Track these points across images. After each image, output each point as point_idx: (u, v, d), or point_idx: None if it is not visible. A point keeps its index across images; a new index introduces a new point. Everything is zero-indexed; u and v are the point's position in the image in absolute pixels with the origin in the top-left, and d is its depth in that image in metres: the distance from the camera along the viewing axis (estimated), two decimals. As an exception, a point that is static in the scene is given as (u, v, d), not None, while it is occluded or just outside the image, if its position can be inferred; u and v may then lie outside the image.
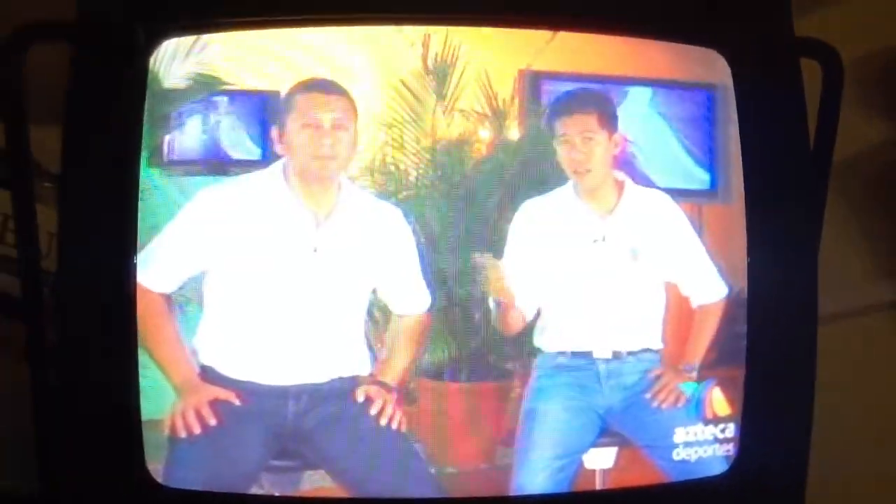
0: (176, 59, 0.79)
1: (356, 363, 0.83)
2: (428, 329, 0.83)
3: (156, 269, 0.80)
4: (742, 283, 0.83)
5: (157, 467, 0.79)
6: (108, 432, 0.76)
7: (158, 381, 0.80)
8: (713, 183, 0.86)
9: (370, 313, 0.84)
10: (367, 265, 0.84)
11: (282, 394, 0.82)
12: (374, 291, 0.84)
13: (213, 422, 0.80)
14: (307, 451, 0.83)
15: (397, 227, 0.82)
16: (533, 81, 0.83)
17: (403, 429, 0.82)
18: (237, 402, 0.81)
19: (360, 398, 0.82)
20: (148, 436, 0.77)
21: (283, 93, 0.81)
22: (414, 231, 0.82)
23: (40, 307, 0.80)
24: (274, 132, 0.81)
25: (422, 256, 0.82)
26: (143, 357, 0.78)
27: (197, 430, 0.80)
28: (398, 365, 0.83)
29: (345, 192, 0.83)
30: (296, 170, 0.82)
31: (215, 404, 0.81)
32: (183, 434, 0.80)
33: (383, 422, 0.82)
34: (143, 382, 0.77)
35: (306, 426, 0.82)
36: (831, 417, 0.86)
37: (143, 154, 0.77)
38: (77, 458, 0.77)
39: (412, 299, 0.83)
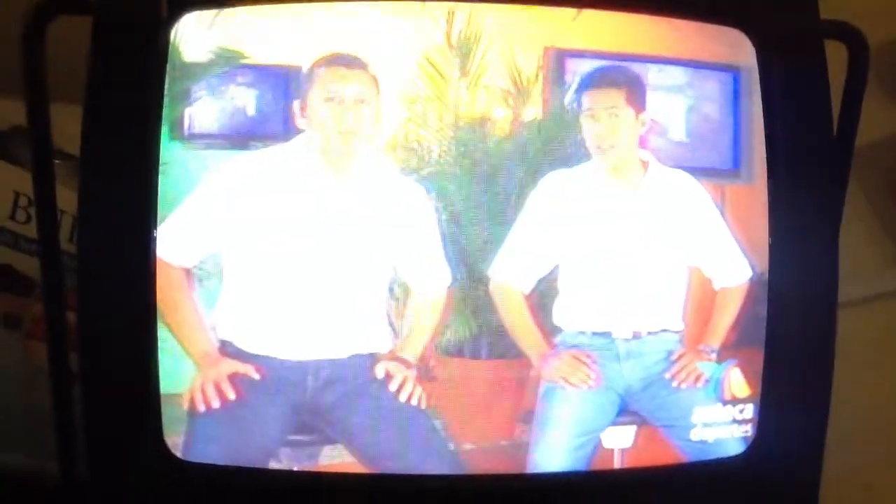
0: (197, 33, 0.78)
1: (376, 339, 0.83)
2: (448, 305, 0.83)
3: (176, 242, 0.79)
4: (763, 266, 0.83)
5: (175, 441, 0.79)
6: (126, 406, 0.76)
7: (177, 356, 0.80)
8: (736, 163, 0.86)
9: (390, 289, 0.84)
10: (388, 241, 0.83)
11: (301, 369, 0.82)
12: (394, 268, 0.84)
13: (232, 396, 0.80)
14: (326, 426, 0.83)
15: (419, 204, 0.82)
16: (557, 59, 0.82)
17: (423, 405, 0.82)
18: (256, 377, 0.81)
19: (380, 374, 0.82)
20: (167, 410, 0.77)
21: (306, 67, 0.80)
22: (436, 208, 0.82)
23: (60, 284, 0.80)
24: (296, 106, 0.81)
25: (443, 233, 0.82)
26: (162, 331, 0.78)
27: (216, 403, 0.80)
28: (418, 341, 0.83)
29: (366, 168, 0.83)
30: (318, 144, 0.82)
31: (234, 378, 0.80)
32: (202, 408, 0.80)
33: (403, 398, 0.82)
34: (162, 356, 0.77)
35: (325, 401, 0.82)
36: (848, 401, 0.86)
37: (164, 128, 0.77)
38: (95, 432, 0.76)
39: (433, 276, 0.83)
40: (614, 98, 0.84)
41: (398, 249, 0.84)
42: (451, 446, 0.82)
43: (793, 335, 0.82)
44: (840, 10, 0.86)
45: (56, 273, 0.78)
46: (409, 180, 0.82)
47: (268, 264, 0.82)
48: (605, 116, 0.84)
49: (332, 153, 0.82)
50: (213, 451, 0.80)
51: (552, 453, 0.84)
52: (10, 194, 1.07)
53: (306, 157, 0.82)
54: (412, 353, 0.83)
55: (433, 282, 0.83)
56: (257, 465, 0.81)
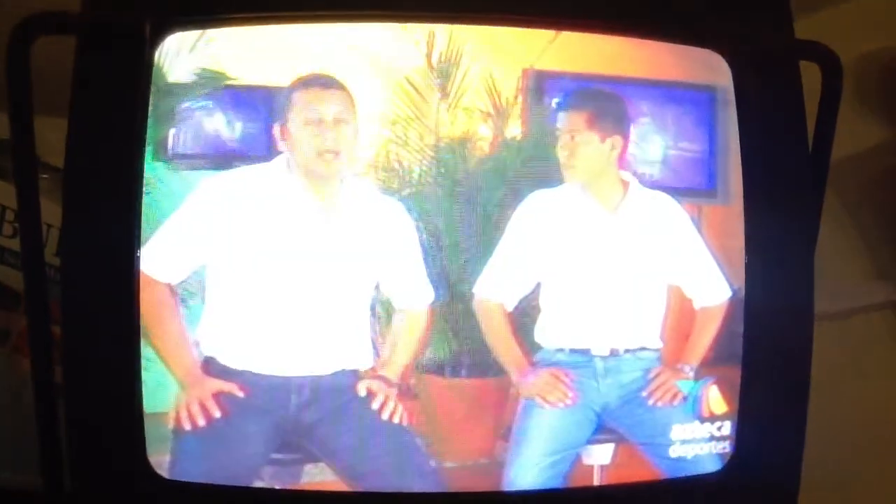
0: (181, 54, 0.79)
1: (358, 357, 0.84)
2: (429, 324, 0.84)
3: (160, 259, 0.80)
4: (740, 284, 0.84)
5: (159, 460, 0.79)
6: (110, 424, 0.77)
7: (161, 374, 0.80)
8: (712, 183, 0.87)
9: (372, 308, 0.84)
10: (370, 260, 0.84)
11: (284, 387, 0.82)
12: (376, 286, 0.85)
13: (217, 414, 0.81)
14: (309, 444, 0.83)
15: (400, 223, 0.83)
16: (536, 80, 0.83)
17: (404, 423, 0.83)
18: (240, 394, 0.81)
19: (362, 392, 0.83)
20: (151, 428, 0.78)
21: (285, 89, 0.81)
22: (417, 227, 0.83)
23: (44, 299, 0.80)
24: (276, 128, 0.82)
25: (424, 252, 0.83)
26: (146, 349, 0.78)
27: (200, 422, 0.80)
28: (400, 360, 0.84)
29: (348, 188, 0.84)
30: (299, 164, 0.83)
31: (219, 396, 0.81)
32: (186, 427, 0.80)
33: (384, 416, 0.83)
34: (146, 375, 0.78)
35: (308, 419, 0.83)
36: (825, 416, 0.86)
37: (148, 147, 0.77)
38: (80, 450, 0.77)
39: (414, 295, 0.84)
40: (575, 121, 0.85)
41: (380, 268, 0.84)
42: (433, 464, 0.83)
43: (770, 352, 0.83)
44: (816, 25, 0.87)
45: (39, 288, 0.78)
46: (391, 200, 0.83)
47: (251, 282, 0.82)
48: (566, 138, 0.85)
49: (314, 173, 0.83)
50: (197, 470, 0.80)
51: (528, 470, 0.85)
52: (-3, 208, 1.08)
53: (288, 177, 0.83)
54: (394, 371, 0.84)
55: (415, 301, 0.84)
56: (241, 484, 0.81)
